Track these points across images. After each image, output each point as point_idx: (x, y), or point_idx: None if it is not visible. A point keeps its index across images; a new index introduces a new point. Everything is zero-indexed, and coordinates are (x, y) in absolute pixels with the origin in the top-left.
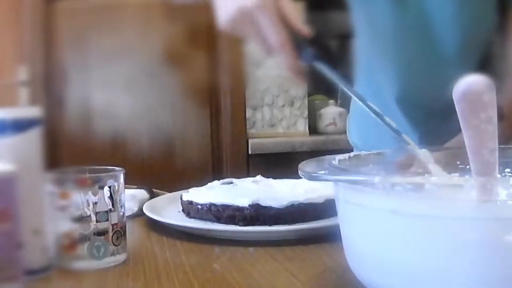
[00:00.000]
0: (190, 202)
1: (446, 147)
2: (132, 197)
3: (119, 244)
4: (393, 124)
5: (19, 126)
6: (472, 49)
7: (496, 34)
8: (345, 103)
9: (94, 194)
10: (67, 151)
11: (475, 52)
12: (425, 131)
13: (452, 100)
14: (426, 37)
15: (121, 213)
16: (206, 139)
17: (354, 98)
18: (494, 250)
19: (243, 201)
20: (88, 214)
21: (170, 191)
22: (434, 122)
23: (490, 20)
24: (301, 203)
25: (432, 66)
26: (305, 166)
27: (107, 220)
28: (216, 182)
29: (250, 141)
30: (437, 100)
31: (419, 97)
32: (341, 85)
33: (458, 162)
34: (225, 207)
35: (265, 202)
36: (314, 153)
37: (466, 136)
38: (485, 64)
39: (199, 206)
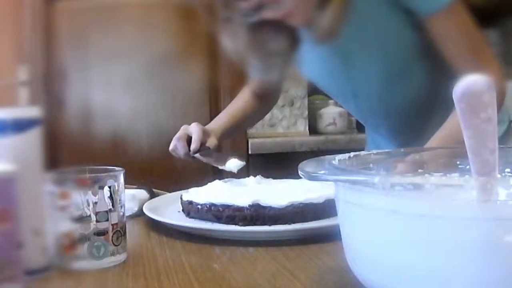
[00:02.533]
0: (190, 202)
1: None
2: (132, 197)
3: (119, 244)
4: None
5: (19, 126)
6: (395, 81)
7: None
8: None
9: (94, 194)
10: (67, 151)
11: (399, 84)
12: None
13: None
14: (349, 77)
15: (121, 213)
16: None
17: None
18: (494, 250)
19: (243, 201)
20: (88, 214)
21: (170, 191)
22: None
23: (412, 49)
24: (301, 203)
25: (359, 98)
26: (305, 166)
27: (107, 220)
28: (217, 182)
29: (250, 141)
30: (380, 123)
31: (368, 123)
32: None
33: (458, 162)
34: (225, 207)
35: (265, 202)
36: (314, 153)
37: (466, 136)
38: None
39: (199, 206)
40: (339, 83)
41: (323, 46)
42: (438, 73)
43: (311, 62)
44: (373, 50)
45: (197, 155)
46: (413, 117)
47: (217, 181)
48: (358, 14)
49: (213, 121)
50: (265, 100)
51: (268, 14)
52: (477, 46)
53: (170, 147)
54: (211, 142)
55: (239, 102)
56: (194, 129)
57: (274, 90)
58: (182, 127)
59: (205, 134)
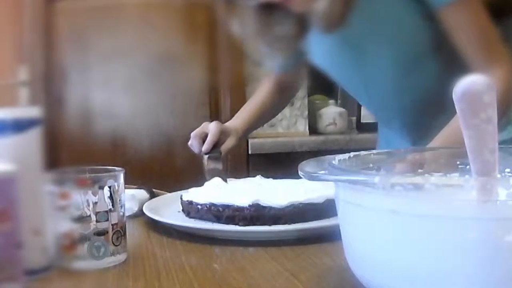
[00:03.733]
0: (190, 202)
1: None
2: (132, 197)
3: (119, 244)
4: None
5: (19, 126)
6: (407, 73)
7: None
8: (345, 103)
9: (94, 194)
10: (67, 151)
11: (412, 77)
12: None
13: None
14: (360, 69)
15: (121, 213)
16: None
17: None
18: (494, 250)
19: (243, 201)
20: (88, 214)
21: (170, 191)
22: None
23: (426, 41)
24: (301, 203)
25: (371, 91)
26: (305, 166)
27: (107, 220)
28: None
29: (250, 141)
30: (394, 116)
31: (380, 117)
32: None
33: (458, 162)
34: (225, 207)
35: (265, 202)
36: (314, 153)
37: (466, 136)
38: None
39: (199, 206)
40: (350, 74)
41: (333, 36)
42: (453, 67)
43: (323, 52)
44: (385, 41)
45: (205, 156)
46: (426, 111)
47: (215, 179)
48: (370, 3)
49: (233, 119)
50: (286, 91)
51: None
52: (489, 41)
53: (189, 142)
54: (229, 142)
55: (259, 97)
56: (211, 128)
57: (294, 80)
58: (202, 124)
59: (224, 134)
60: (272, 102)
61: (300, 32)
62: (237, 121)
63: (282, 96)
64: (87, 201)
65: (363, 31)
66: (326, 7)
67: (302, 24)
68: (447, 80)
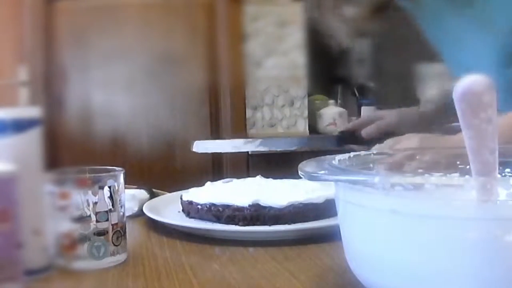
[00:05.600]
0: (190, 202)
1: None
2: (132, 197)
3: (119, 244)
4: None
5: (19, 126)
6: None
7: None
8: (345, 103)
9: (94, 194)
10: (67, 151)
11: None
12: None
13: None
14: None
15: (121, 213)
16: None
17: None
18: (494, 250)
19: (243, 201)
20: (88, 214)
21: (170, 191)
22: None
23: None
24: (301, 203)
25: None
26: (305, 166)
27: (107, 220)
28: (217, 182)
29: None
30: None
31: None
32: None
33: (458, 162)
34: (225, 207)
35: (265, 202)
36: (314, 153)
37: (466, 136)
38: None
39: (199, 206)
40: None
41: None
42: None
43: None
44: (482, 32)
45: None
46: None
47: (208, 183)
48: None
49: None
50: None
51: None
52: None
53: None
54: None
55: None
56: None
57: None
58: None
59: None
60: None
61: (374, 13)
62: None
63: None
64: (87, 201)
65: (458, 21)
66: None
67: (377, 5)
68: None
